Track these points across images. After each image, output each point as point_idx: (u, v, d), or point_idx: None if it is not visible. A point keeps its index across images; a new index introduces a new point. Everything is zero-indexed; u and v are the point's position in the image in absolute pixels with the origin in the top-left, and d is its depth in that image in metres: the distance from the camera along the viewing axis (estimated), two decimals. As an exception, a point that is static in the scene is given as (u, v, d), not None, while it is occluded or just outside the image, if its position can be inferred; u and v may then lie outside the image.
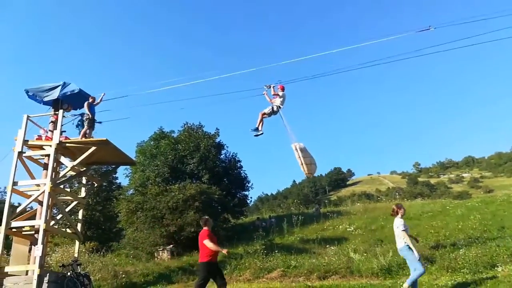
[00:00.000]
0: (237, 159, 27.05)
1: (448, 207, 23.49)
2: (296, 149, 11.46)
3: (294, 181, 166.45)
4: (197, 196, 20.06)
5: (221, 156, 26.52)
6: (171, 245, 19.68)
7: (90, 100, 13.38)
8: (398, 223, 8.17)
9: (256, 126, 12.36)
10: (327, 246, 16.19)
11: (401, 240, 8.10)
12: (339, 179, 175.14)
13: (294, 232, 21.14)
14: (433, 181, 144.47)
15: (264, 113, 12.13)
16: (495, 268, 10.39)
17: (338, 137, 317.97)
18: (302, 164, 11.38)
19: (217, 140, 26.09)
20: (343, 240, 17.99)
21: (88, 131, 13.18)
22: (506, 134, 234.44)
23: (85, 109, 13.33)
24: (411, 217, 22.17)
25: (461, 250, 12.49)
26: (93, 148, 12.51)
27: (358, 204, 33.33)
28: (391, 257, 12.15)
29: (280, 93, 12.20)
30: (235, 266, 14.46)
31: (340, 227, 21.56)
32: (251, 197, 29.72)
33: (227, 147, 26.90)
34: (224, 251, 8.45)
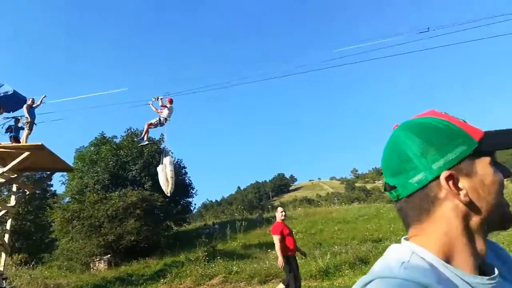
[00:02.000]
0: (182, 165, 26.78)
1: (382, 211, 25.01)
2: (170, 163, 12.12)
3: (238, 187, 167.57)
4: (139, 203, 19.57)
5: (165, 162, 26.08)
6: (109, 255, 18.95)
7: (29, 102, 12.69)
8: None
9: (142, 136, 12.94)
10: (269, 250, 16.54)
11: None
12: (282, 184, 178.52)
13: (237, 238, 21.33)
14: (369, 186, 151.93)
15: (151, 124, 12.51)
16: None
17: (282, 144, 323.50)
18: (171, 177, 11.99)
19: (161, 146, 25.60)
20: (285, 245, 18.45)
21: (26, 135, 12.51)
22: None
23: (24, 112, 12.62)
24: (349, 221, 23.35)
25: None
26: (27, 153, 11.78)
27: (299, 209, 34.34)
28: (329, 260, 12.74)
29: (168, 105, 12.60)
30: (176, 274, 14.31)
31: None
32: (195, 204, 29.69)
33: (172, 153, 26.49)
34: (280, 263, 7.39)
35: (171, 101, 12.67)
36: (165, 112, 12.45)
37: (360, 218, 23.48)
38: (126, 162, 23.88)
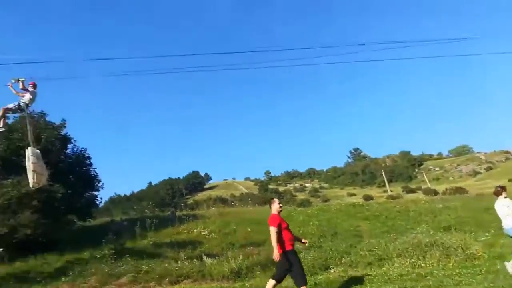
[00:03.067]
0: (86, 155, 24.83)
1: (292, 214, 25.94)
2: (31, 155, 11.23)
3: (150, 182, 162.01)
4: (36, 194, 17.67)
5: (68, 151, 23.94)
6: (1, 249, 16.85)
7: None
8: (507, 202, 8.72)
9: None
10: (181, 250, 16.14)
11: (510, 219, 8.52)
12: (196, 182, 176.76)
13: (147, 236, 20.46)
14: (281, 189, 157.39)
15: (8, 109, 11.65)
16: (328, 270, 11.90)
17: (198, 141, 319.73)
18: (33, 171, 11.10)
19: (63, 132, 23.46)
20: (197, 244, 18.19)
21: None
22: (342, 150, 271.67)
23: None
24: (261, 222, 23.79)
25: (301, 253, 13.90)
26: None
27: (213, 208, 34.22)
28: (241, 261, 12.77)
29: (30, 90, 11.84)
30: (80, 272, 13.20)
31: (195, 230, 21.76)
32: (101, 198, 27.50)
33: (74, 141, 24.40)
34: (276, 256, 7.13)
35: (34, 86, 11.73)
36: (26, 97, 11.49)
37: (272, 220, 24.04)
38: (21, 147, 21.38)
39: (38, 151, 11.51)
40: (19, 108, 11.38)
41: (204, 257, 13.68)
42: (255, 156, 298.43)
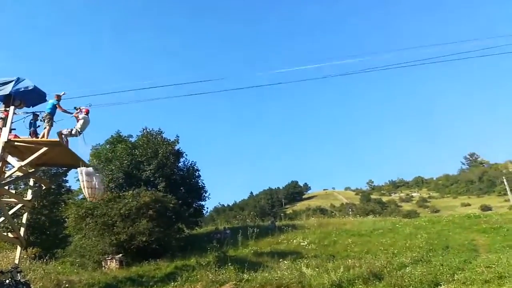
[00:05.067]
0: (195, 168, 26.69)
1: (397, 225, 24.42)
2: (81, 173, 12.11)
3: (251, 192, 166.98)
4: (152, 204, 19.54)
5: (180, 164, 26.04)
6: (121, 254, 18.94)
7: (56, 98, 12.93)
8: None
9: None
10: (281, 260, 16.26)
11: None
12: (295, 192, 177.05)
13: (249, 245, 21.09)
14: (384, 199, 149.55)
15: (61, 133, 12.54)
16: (438, 287, 10.91)
17: (297, 151, 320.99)
18: (84, 188, 12.03)
19: (176, 148, 25.66)
20: (297, 255, 18.15)
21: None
22: (454, 157, 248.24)
23: (48, 107, 12.80)
24: (363, 234, 22.85)
25: (408, 268, 12.99)
26: (44, 148, 11.91)
27: (313, 218, 33.86)
28: (342, 273, 12.41)
29: (81, 116, 12.73)
30: (186, 278, 14.18)
31: (294, 241, 21.77)
32: (207, 208, 29.26)
33: (186, 155, 26.49)
34: None
35: (87, 112, 12.86)
36: (78, 123, 12.62)
37: (375, 232, 22.95)
38: (141, 162, 23.91)
39: (91, 169, 12.78)
40: (71, 133, 12.62)
41: (304, 268, 13.62)
42: (356, 165, 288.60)
